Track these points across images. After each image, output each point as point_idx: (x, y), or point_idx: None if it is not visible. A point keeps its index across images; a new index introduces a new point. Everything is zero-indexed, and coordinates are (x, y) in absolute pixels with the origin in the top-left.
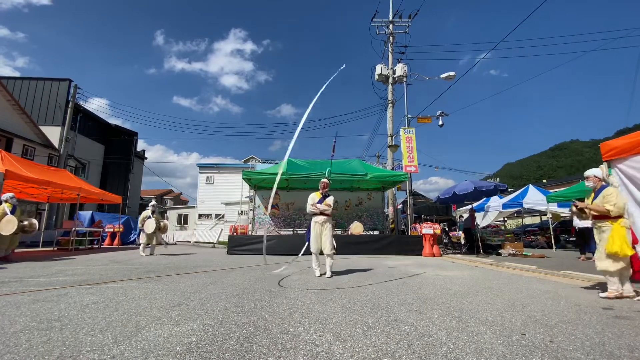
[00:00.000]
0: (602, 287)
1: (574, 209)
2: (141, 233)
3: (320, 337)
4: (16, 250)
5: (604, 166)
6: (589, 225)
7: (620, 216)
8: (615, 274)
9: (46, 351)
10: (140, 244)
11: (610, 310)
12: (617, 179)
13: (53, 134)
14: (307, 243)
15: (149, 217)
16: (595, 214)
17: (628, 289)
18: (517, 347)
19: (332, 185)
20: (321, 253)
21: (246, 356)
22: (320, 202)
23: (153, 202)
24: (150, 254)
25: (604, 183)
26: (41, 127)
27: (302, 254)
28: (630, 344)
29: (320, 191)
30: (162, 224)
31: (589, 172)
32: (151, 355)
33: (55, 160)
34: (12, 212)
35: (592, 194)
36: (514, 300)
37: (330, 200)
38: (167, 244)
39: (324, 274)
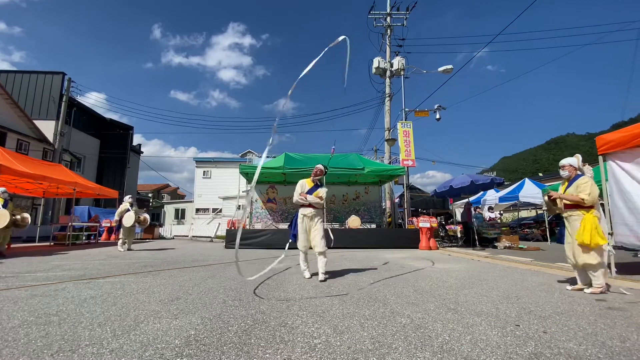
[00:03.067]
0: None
1: (546, 199)
2: (120, 228)
3: (318, 330)
4: (12, 246)
5: (579, 155)
6: None
7: (592, 206)
8: (598, 266)
9: (45, 345)
10: (119, 239)
11: (603, 301)
12: (591, 171)
13: (47, 128)
14: (290, 238)
15: (128, 210)
16: (568, 203)
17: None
18: (511, 338)
19: (329, 180)
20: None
21: (244, 349)
22: (311, 192)
23: (129, 196)
24: (129, 249)
25: (578, 172)
26: (35, 121)
27: (288, 248)
28: (622, 334)
29: (312, 178)
30: (141, 217)
31: (565, 161)
32: (150, 348)
33: (50, 155)
34: (4, 206)
35: (566, 183)
36: (508, 293)
37: (322, 192)
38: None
39: (316, 274)
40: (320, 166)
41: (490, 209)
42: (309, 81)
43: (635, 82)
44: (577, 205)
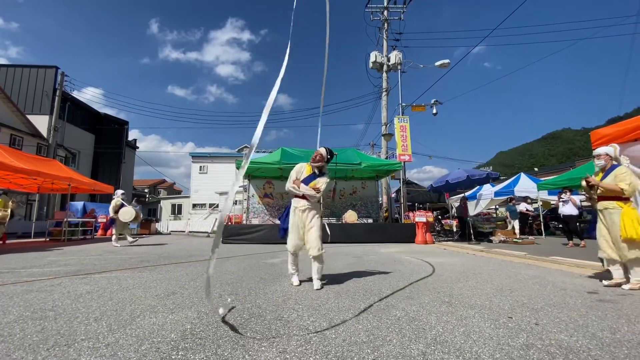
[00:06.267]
0: (592, 276)
1: (584, 184)
2: (115, 222)
3: (314, 323)
4: (8, 241)
5: (616, 145)
6: (573, 214)
7: (628, 198)
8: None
9: (41, 340)
10: (112, 234)
11: (594, 294)
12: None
13: (41, 123)
14: (279, 233)
15: (123, 205)
16: (602, 195)
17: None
18: (504, 330)
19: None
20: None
21: (240, 342)
22: (308, 180)
23: (122, 192)
24: (131, 244)
25: (614, 162)
26: (28, 116)
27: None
28: (612, 326)
29: (312, 164)
30: (135, 212)
31: (601, 150)
32: (146, 342)
33: (44, 150)
34: None
35: (601, 174)
36: (502, 286)
37: (321, 182)
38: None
39: (308, 280)
40: (322, 150)
41: (527, 198)
42: (307, 74)
43: (631, 76)
44: (614, 197)
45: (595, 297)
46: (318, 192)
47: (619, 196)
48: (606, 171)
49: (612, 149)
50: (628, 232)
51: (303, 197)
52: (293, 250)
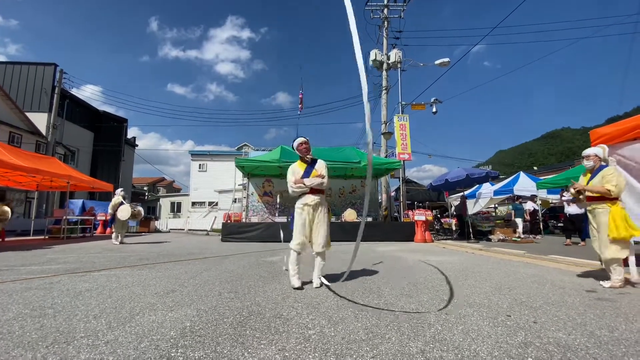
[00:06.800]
0: (585, 275)
1: (572, 190)
2: (114, 221)
3: (313, 321)
4: (7, 239)
5: (605, 146)
6: (580, 212)
7: (617, 198)
8: (621, 259)
9: (40, 337)
10: (112, 233)
11: (593, 292)
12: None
13: (40, 120)
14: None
15: (122, 203)
16: (591, 195)
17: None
18: (502, 328)
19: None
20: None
21: (239, 340)
22: (306, 174)
23: (121, 189)
24: (121, 243)
25: (602, 163)
26: (27, 114)
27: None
28: (610, 324)
29: (304, 155)
30: (136, 210)
31: (590, 151)
32: (145, 340)
33: (43, 148)
34: None
35: (589, 174)
36: (501, 284)
37: (321, 167)
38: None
39: (309, 282)
40: (300, 139)
41: (534, 197)
42: (306, 72)
43: (631, 76)
44: (602, 197)
45: (593, 296)
46: (323, 177)
47: (607, 196)
48: (594, 171)
49: (601, 150)
50: (617, 232)
51: (311, 191)
52: (298, 248)
